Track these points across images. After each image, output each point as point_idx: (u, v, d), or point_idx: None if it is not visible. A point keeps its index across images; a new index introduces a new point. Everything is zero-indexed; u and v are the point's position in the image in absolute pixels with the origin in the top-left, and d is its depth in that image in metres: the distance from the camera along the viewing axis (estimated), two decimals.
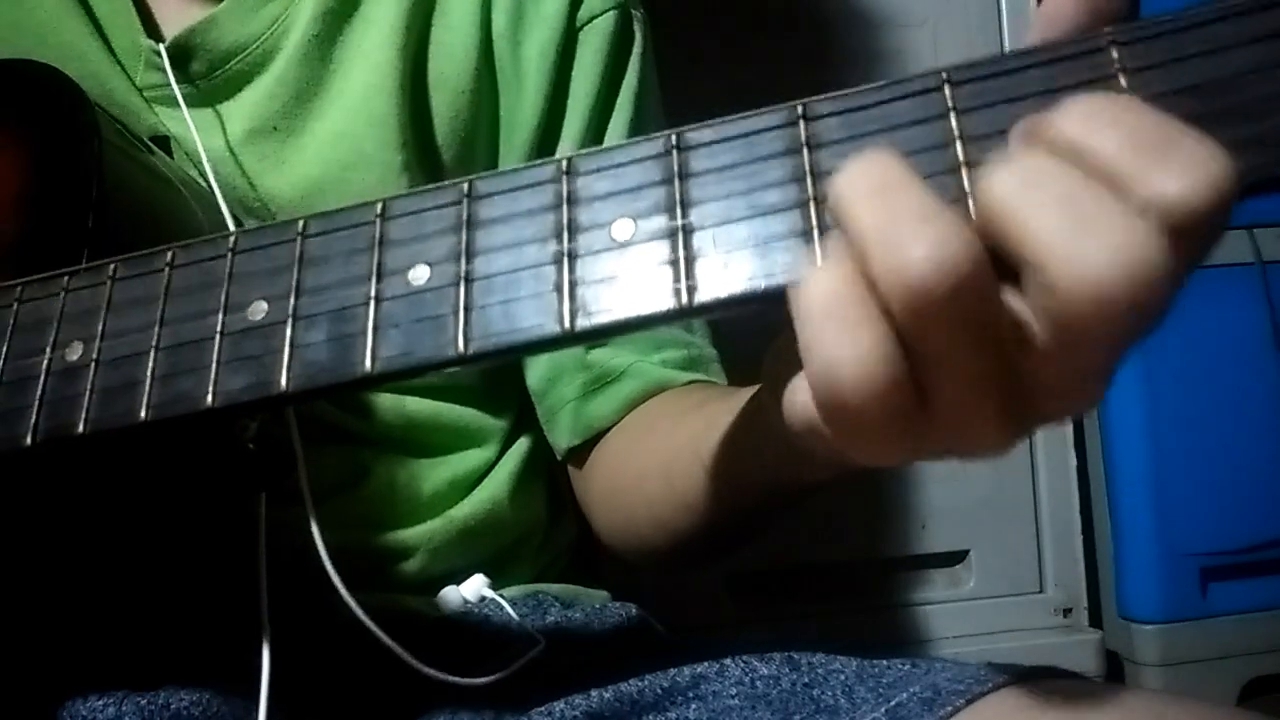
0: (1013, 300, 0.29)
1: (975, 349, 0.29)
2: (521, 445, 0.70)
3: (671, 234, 0.33)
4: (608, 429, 0.65)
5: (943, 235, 0.28)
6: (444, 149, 0.65)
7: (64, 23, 0.61)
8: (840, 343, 0.29)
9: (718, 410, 0.51)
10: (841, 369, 0.29)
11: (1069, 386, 0.30)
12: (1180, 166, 0.27)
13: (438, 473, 0.66)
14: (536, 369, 0.68)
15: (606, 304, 0.32)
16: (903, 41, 1.13)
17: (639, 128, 0.67)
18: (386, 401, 0.65)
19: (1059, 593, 1.17)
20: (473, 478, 0.68)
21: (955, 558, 1.17)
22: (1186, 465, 1.14)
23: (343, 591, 0.50)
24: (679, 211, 0.33)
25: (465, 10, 0.65)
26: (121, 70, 0.62)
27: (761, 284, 0.31)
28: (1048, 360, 0.29)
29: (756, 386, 0.45)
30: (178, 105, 0.61)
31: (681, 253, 0.32)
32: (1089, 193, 0.28)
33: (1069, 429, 1.18)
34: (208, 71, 0.62)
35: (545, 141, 0.66)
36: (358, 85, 0.63)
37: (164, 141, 0.61)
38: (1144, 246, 0.27)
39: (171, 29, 0.63)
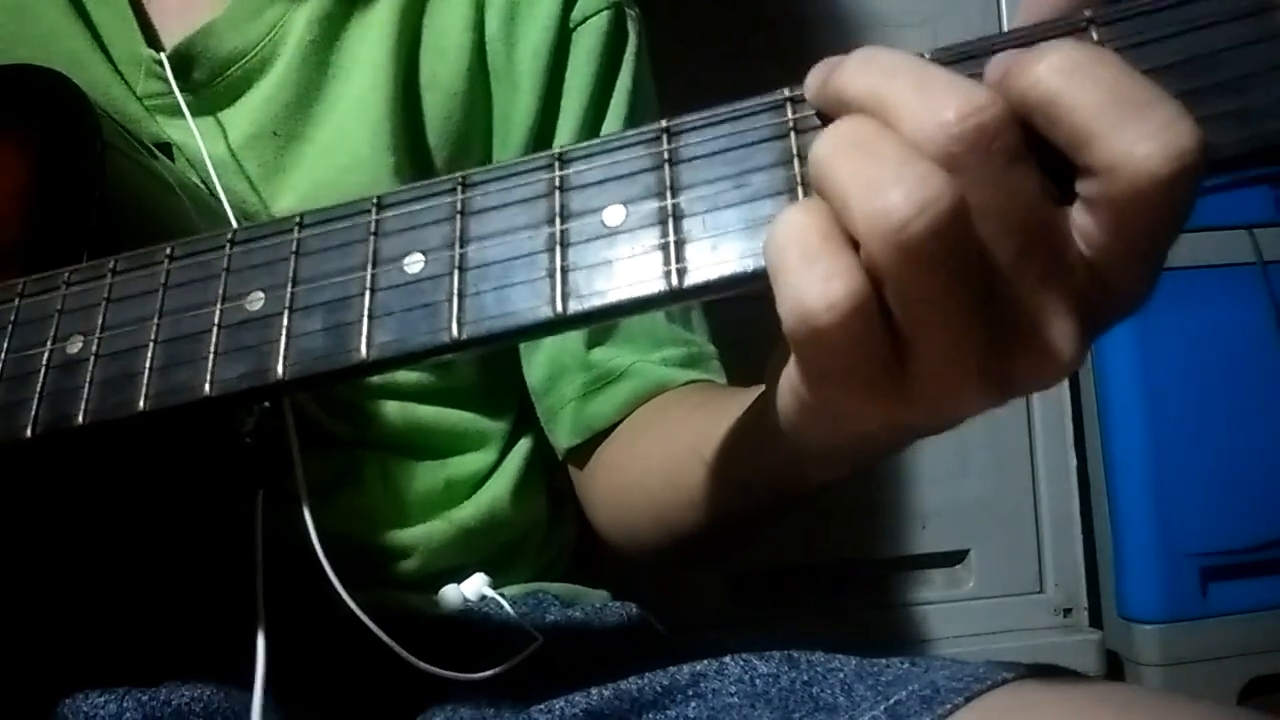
0: (988, 240, 0.30)
1: (958, 295, 0.30)
2: (522, 447, 0.70)
3: (662, 218, 0.33)
4: (609, 429, 0.65)
5: (920, 175, 0.28)
6: (436, 150, 0.65)
7: (64, 34, 0.62)
8: (807, 272, 0.30)
9: (721, 410, 0.51)
10: (809, 295, 0.30)
11: (1121, 279, 0.31)
12: (1151, 130, 0.28)
13: (438, 475, 0.67)
14: (537, 369, 0.68)
15: (599, 288, 0.33)
16: (902, 41, 1.12)
17: (634, 127, 0.67)
18: (386, 407, 0.65)
19: (1059, 593, 1.17)
20: (473, 480, 0.68)
21: (955, 558, 1.17)
22: (1186, 465, 1.14)
23: (339, 588, 0.50)
24: (669, 196, 0.33)
25: (458, 12, 0.65)
26: (122, 80, 0.62)
27: (750, 265, 0.32)
28: (1099, 254, 0.30)
29: (760, 387, 0.45)
30: (178, 114, 0.61)
31: (672, 237, 0.33)
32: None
33: (1069, 429, 1.18)
34: (208, 79, 0.63)
35: (540, 142, 0.66)
36: (354, 89, 0.63)
37: (165, 149, 0.61)
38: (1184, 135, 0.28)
39: (171, 38, 0.63)
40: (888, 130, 0.30)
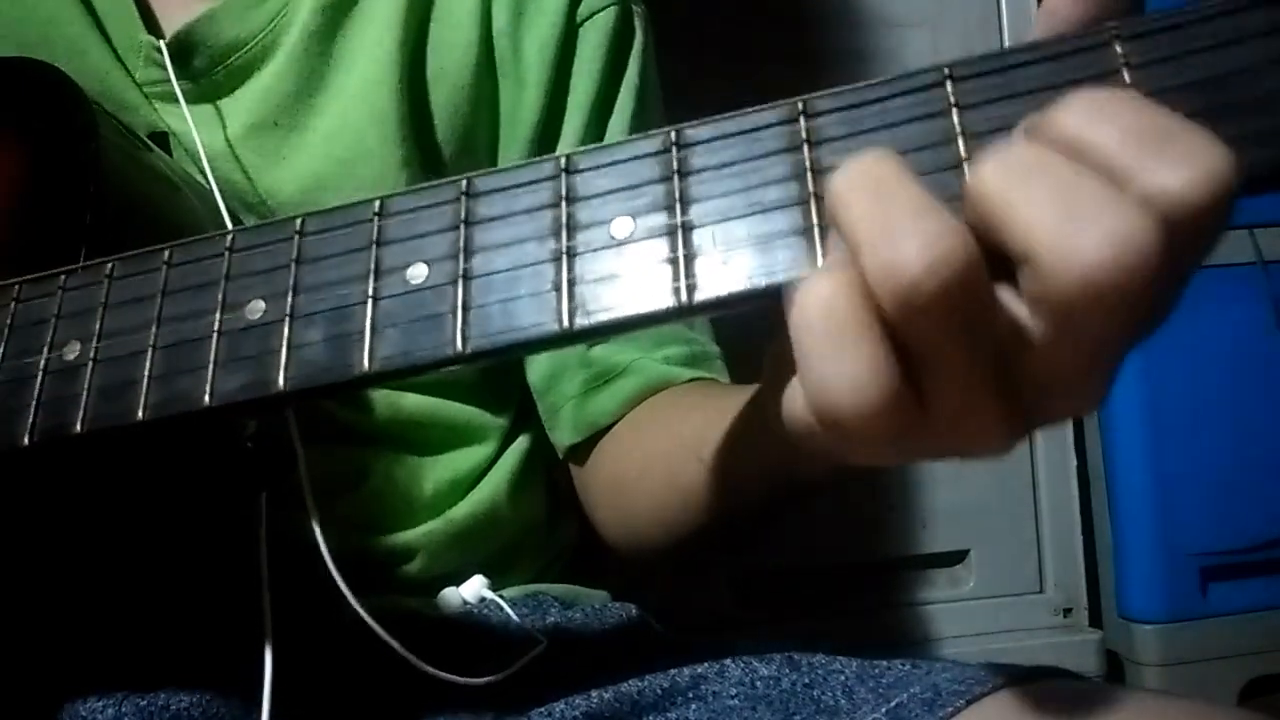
0: (1008, 299, 0.29)
1: (971, 349, 0.29)
2: (521, 444, 0.70)
3: (671, 232, 0.32)
4: (609, 426, 0.65)
5: (936, 231, 0.28)
6: (444, 144, 0.65)
7: (65, 20, 0.61)
8: (836, 362, 0.29)
9: (719, 408, 0.51)
10: (838, 389, 0.29)
11: (1069, 384, 0.30)
12: (1179, 159, 0.27)
13: (437, 472, 0.66)
14: (538, 367, 0.68)
15: (605, 302, 0.32)
16: (902, 41, 1.13)
17: (640, 124, 0.67)
18: (386, 398, 0.64)
19: (1059, 593, 1.17)
20: (472, 476, 0.68)
21: (955, 558, 1.17)
22: (1186, 465, 1.14)
23: (345, 591, 0.50)
24: (678, 209, 0.33)
25: (465, 6, 0.65)
26: (121, 67, 0.62)
27: (761, 282, 0.31)
28: (1045, 357, 0.29)
29: (758, 385, 0.45)
30: (177, 102, 0.60)
31: (681, 251, 0.32)
32: (1084, 184, 0.27)
33: (1069, 429, 1.18)
34: (209, 68, 0.62)
35: (546, 137, 0.66)
36: (358, 80, 0.63)
37: (163, 138, 0.61)
38: (1137, 233, 0.26)
39: (171, 25, 0.62)
40: (907, 173, 0.29)
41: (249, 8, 0.62)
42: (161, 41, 0.61)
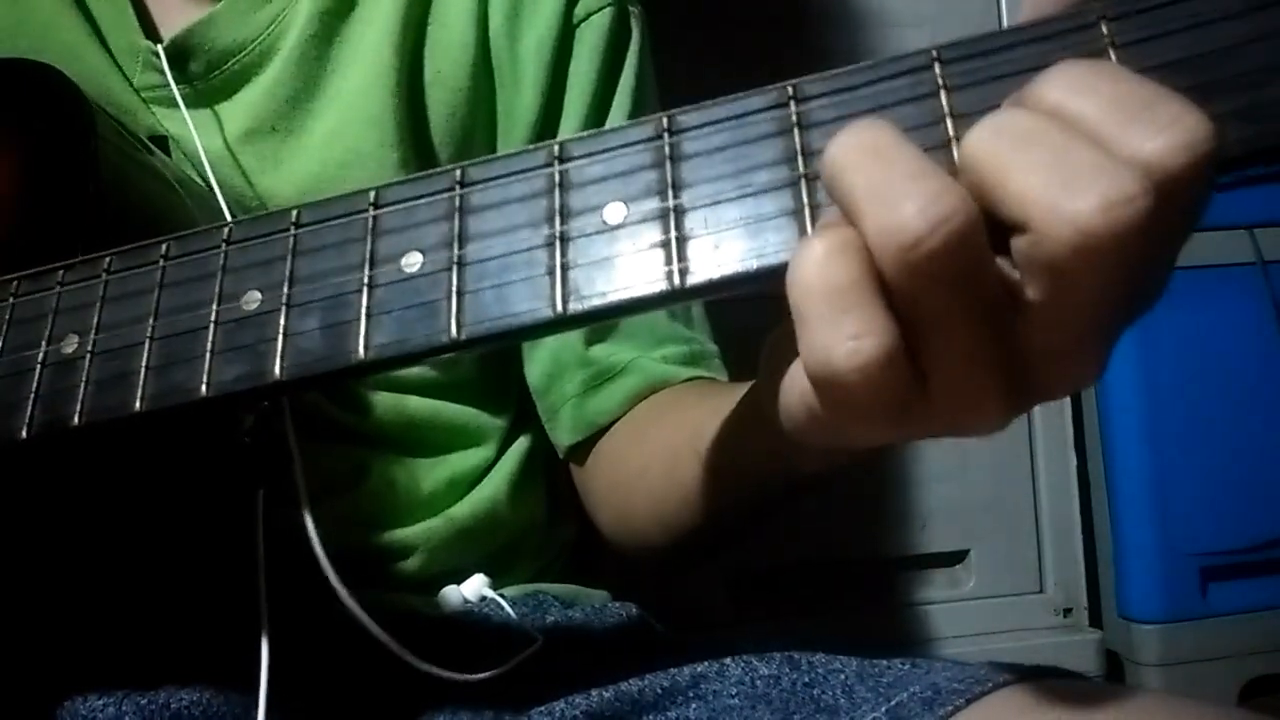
0: (1003, 266, 0.29)
1: (970, 315, 0.29)
2: (521, 445, 0.70)
3: (663, 216, 0.33)
4: (609, 425, 0.65)
5: (935, 191, 0.28)
6: (441, 147, 0.65)
7: (62, 24, 0.61)
8: (835, 321, 0.29)
9: (716, 405, 0.51)
10: (837, 348, 0.29)
11: (1064, 353, 0.30)
12: (1159, 127, 0.27)
13: (437, 472, 0.66)
14: (537, 366, 0.68)
15: (599, 287, 0.32)
16: (902, 41, 1.13)
17: None
18: (386, 400, 0.65)
19: (1059, 593, 1.17)
20: (472, 477, 0.68)
21: (955, 558, 1.17)
22: (1186, 465, 1.14)
23: (339, 589, 0.50)
24: (670, 194, 0.33)
25: (462, 9, 0.65)
26: (119, 71, 0.62)
27: (753, 264, 0.31)
28: (1040, 323, 0.30)
29: (754, 381, 0.45)
30: (175, 105, 0.61)
31: (673, 235, 0.32)
32: (1075, 148, 0.28)
33: (1069, 429, 1.18)
34: (206, 72, 0.62)
35: (543, 139, 0.66)
36: (355, 85, 0.63)
37: (162, 141, 0.61)
38: (1130, 194, 0.27)
39: (169, 30, 0.63)
40: (903, 140, 0.29)
41: (246, 12, 0.63)
42: (159, 46, 0.61)
